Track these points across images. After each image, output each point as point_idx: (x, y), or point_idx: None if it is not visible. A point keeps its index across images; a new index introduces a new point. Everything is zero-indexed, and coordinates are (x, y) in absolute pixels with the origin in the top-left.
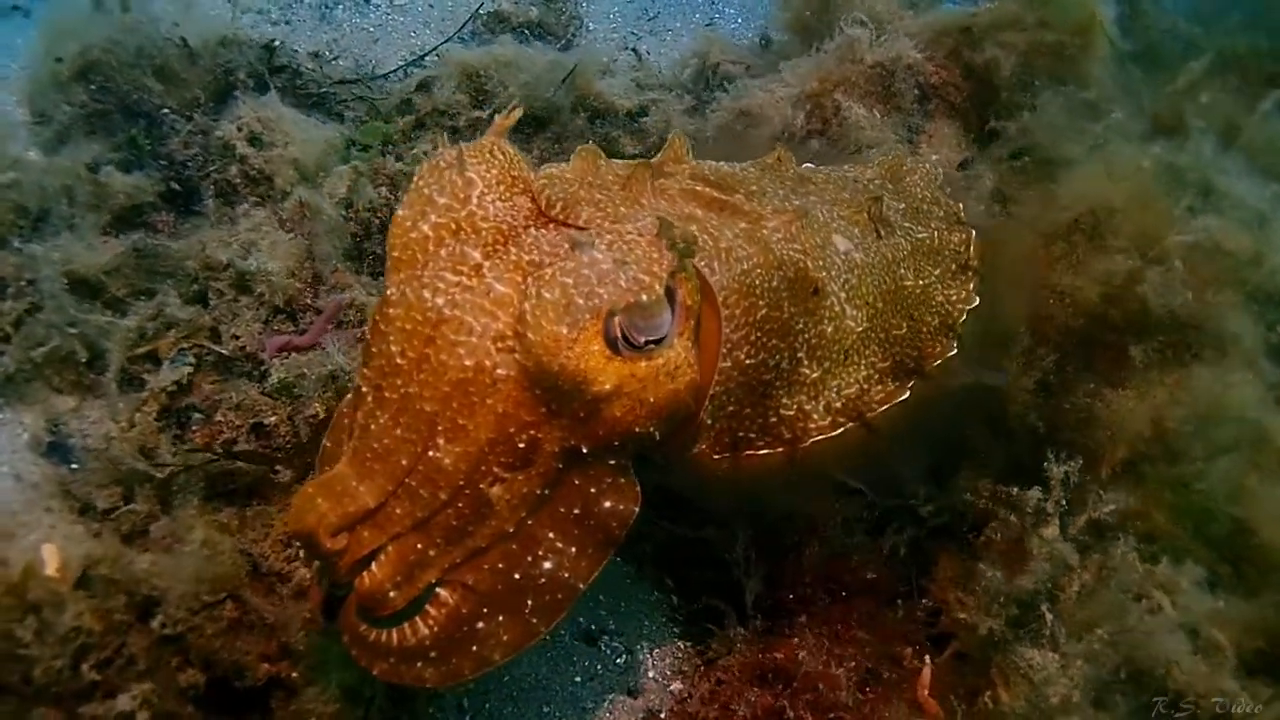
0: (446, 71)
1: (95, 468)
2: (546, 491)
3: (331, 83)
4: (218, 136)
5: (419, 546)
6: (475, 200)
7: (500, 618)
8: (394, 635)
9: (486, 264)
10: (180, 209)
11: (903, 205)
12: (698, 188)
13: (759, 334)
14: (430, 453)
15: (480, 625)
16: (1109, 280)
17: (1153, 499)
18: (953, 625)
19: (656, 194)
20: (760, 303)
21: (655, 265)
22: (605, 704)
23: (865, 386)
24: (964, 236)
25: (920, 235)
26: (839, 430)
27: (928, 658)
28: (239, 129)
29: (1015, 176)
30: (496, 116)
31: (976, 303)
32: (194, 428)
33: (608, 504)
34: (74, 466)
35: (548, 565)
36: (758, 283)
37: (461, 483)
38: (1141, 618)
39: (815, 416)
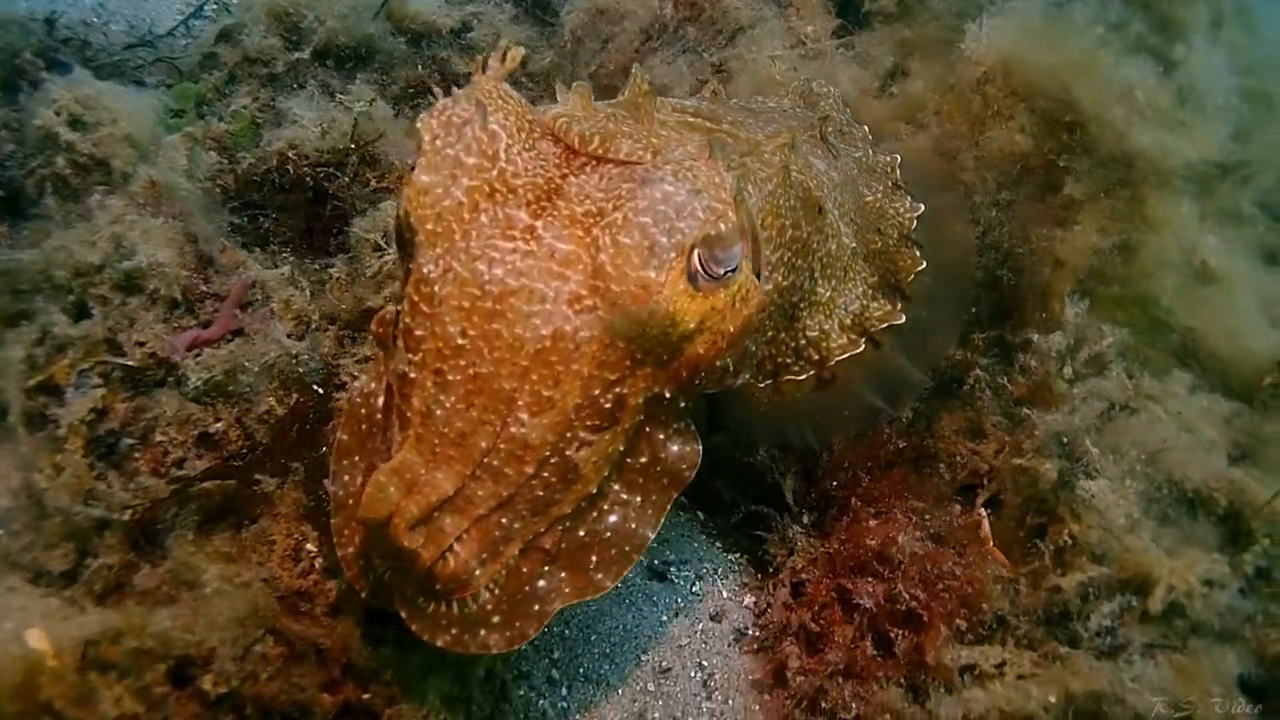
0: (251, 16)
1: (33, 528)
2: (625, 447)
3: (123, 48)
4: (37, 126)
5: (503, 522)
6: (504, 155)
7: (563, 574)
8: (455, 605)
9: (539, 224)
10: (12, 215)
11: (831, 129)
12: (689, 119)
13: (790, 254)
14: (513, 429)
15: (542, 584)
16: (1032, 128)
17: (1109, 320)
18: (1009, 473)
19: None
20: (787, 223)
21: (722, 190)
22: (697, 634)
23: (865, 302)
24: (889, 159)
25: (857, 155)
26: (859, 348)
27: (984, 510)
28: (57, 114)
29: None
30: (489, 60)
31: (921, 209)
32: (135, 456)
33: (675, 448)
34: None
35: (613, 519)
36: (782, 203)
37: (548, 453)
38: (1163, 433)
39: (834, 335)
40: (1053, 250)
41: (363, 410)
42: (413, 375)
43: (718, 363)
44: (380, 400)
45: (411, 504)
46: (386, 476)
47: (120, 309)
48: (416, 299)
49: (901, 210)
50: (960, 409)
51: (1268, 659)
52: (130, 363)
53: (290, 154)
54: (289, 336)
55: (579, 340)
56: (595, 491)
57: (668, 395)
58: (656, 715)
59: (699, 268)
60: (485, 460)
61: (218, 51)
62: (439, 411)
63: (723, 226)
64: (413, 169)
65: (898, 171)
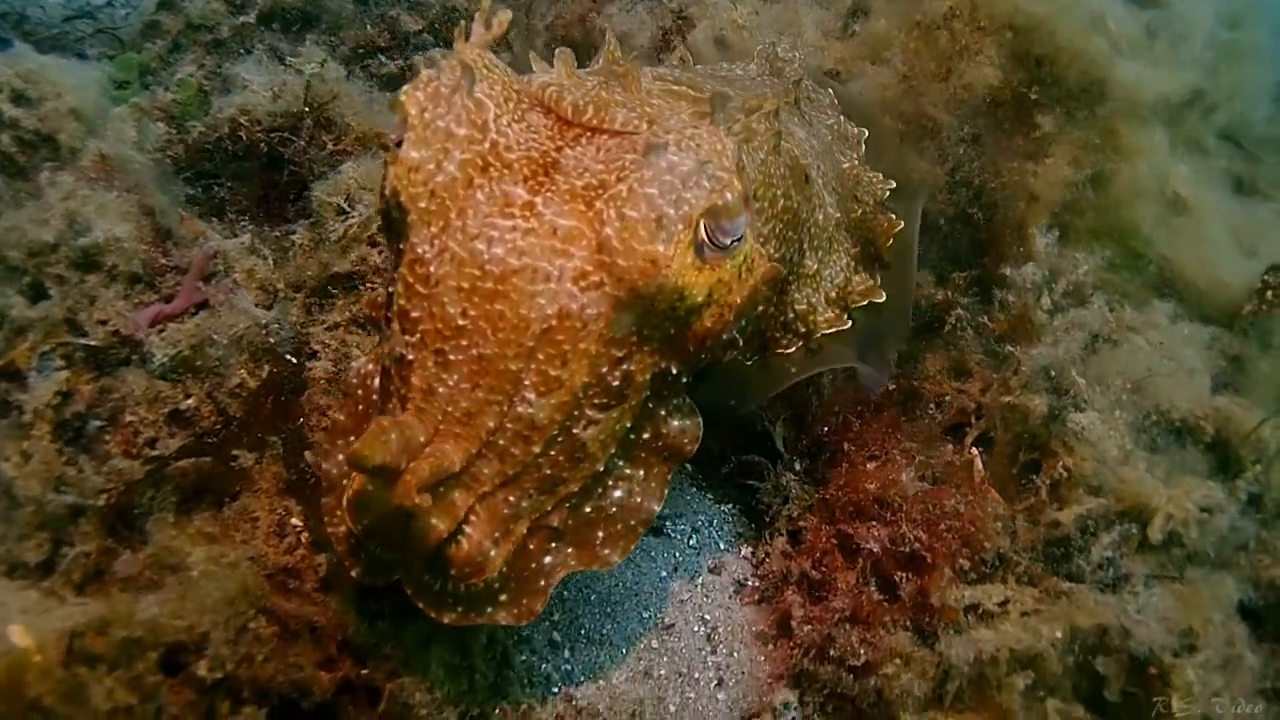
0: None
1: (4, 518)
2: (631, 424)
3: (63, 20)
4: None
5: (510, 500)
6: (494, 126)
7: (569, 550)
8: (461, 583)
9: (538, 200)
10: None
11: (804, 95)
12: (673, 87)
13: (781, 226)
14: (520, 409)
15: (548, 560)
16: (1000, 63)
17: (1086, 249)
18: (999, 411)
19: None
20: (778, 193)
21: (725, 158)
22: (698, 588)
23: (847, 275)
24: (858, 131)
25: (829, 121)
26: (846, 324)
27: (976, 449)
28: None
29: None
30: (471, 25)
31: (893, 185)
32: (104, 438)
33: (676, 423)
34: None
35: (618, 494)
36: (773, 172)
37: (556, 433)
38: (1147, 362)
39: (820, 309)
40: (1025, 184)
41: (359, 391)
42: (410, 356)
43: (724, 335)
44: (376, 381)
45: (424, 464)
46: (389, 423)
47: (79, 287)
48: (411, 280)
49: (875, 179)
50: (943, 349)
51: (1263, 584)
52: (93, 342)
53: (243, 120)
54: (255, 306)
55: (586, 318)
56: (601, 469)
57: (674, 371)
58: (662, 672)
59: (705, 238)
60: (491, 439)
61: (159, 19)
62: (441, 390)
63: (729, 196)
64: (398, 144)
65: (863, 145)
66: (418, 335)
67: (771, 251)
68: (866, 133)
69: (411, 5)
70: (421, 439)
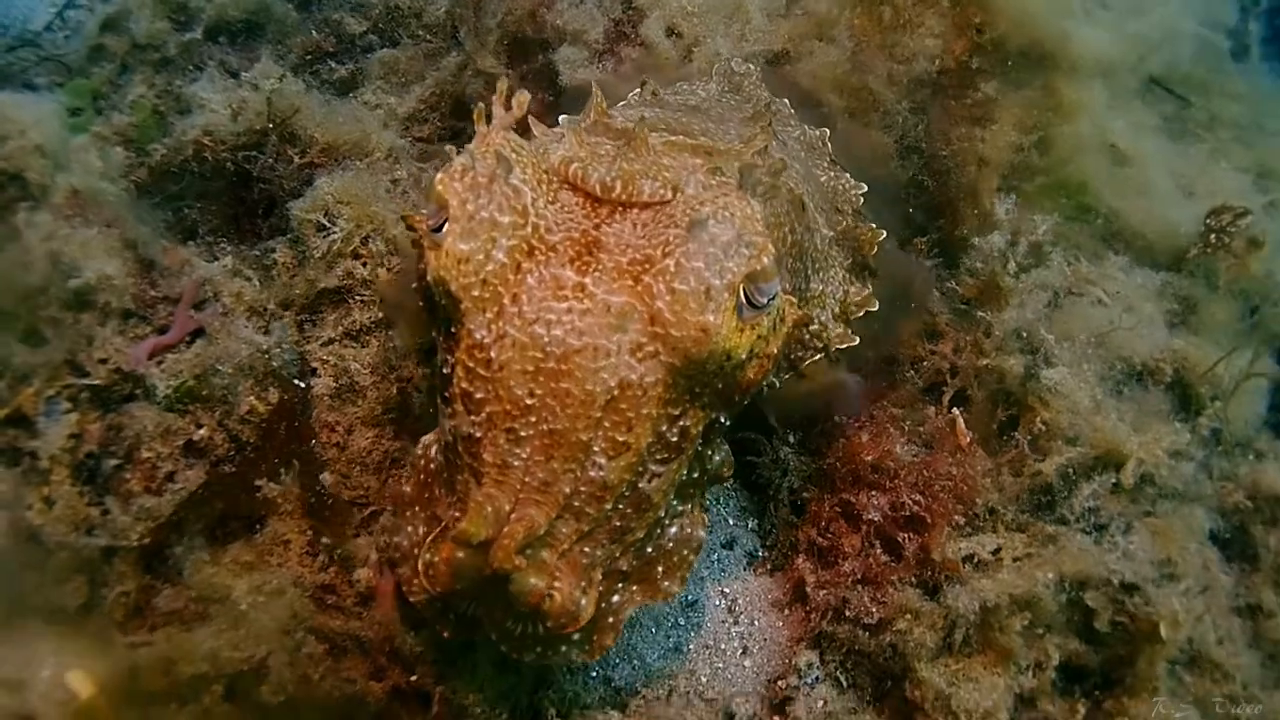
0: (135, 1)
1: (35, 566)
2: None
3: (7, 50)
4: None
5: (586, 551)
6: (534, 211)
7: (635, 588)
8: (540, 627)
9: (588, 280)
10: None
11: (774, 116)
12: (673, 139)
13: (791, 260)
14: (592, 474)
15: (616, 599)
16: (942, 31)
17: (1038, 208)
18: (974, 374)
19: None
20: (785, 230)
21: (757, 223)
22: (714, 564)
23: (845, 288)
24: (820, 132)
25: (795, 134)
26: (855, 340)
27: (957, 410)
28: None
29: None
30: (491, 109)
31: (865, 189)
32: (125, 476)
33: (718, 456)
34: None
35: (673, 530)
36: (779, 210)
37: (624, 490)
38: (1107, 315)
39: (830, 326)
40: (975, 150)
41: (423, 463)
42: (479, 435)
43: (763, 382)
44: (434, 450)
45: (518, 530)
46: (483, 498)
47: (74, 328)
48: (472, 364)
49: (846, 185)
50: (914, 312)
51: (1229, 510)
52: (96, 381)
53: (206, 141)
54: (255, 332)
55: (645, 385)
56: (663, 514)
57: (723, 419)
58: (691, 646)
59: (744, 301)
60: (568, 501)
61: (104, 42)
62: (516, 463)
63: (765, 260)
64: (436, 229)
65: (829, 145)
66: (484, 415)
67: (788, 286)
68: (828, 132)
69: (354, 7)
70: (506, 508)
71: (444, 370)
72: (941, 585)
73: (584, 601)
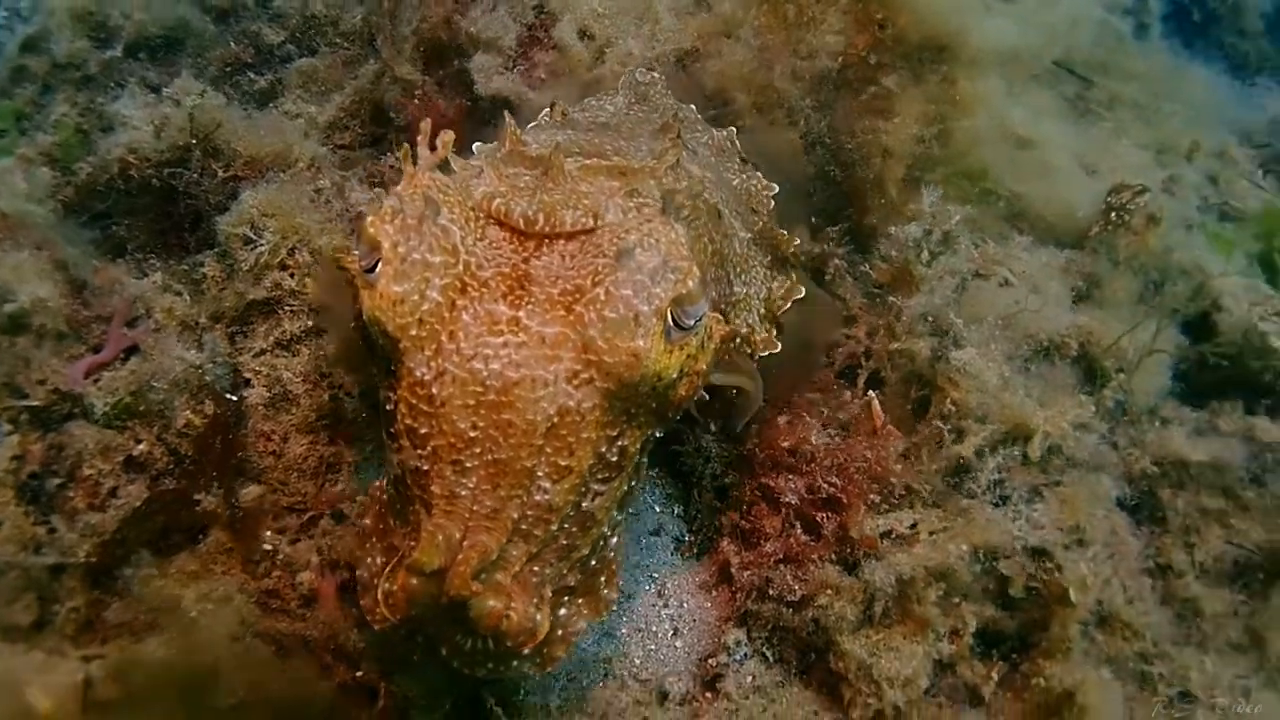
0: (55, 21)
1: None
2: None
3: None
4: None
5: (535, 570)
6: (463, 248)
7: (580, 600)
8: (490, 642)
9: (521, 314)
10: None
11: (683, 126)
12: (587, 163)
13: (713, 269)
14: (537, 497)
15: (564, 613)
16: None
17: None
18: (887, 357)
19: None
20: (705, 241)
21: (681, 247)
22: (643, 550)
23: (768, 286)
24: (727, 132)
25: (704, 139)
26: (778, 347)
27: (872, 393)
28: None
29: None
30: (415, 147)
31: (776, 189)
32: (68, 494)
33: (645, 461)
34: None
35: (614, 540)
36: (697, 224)
37: (569, 510)
38: (1013, 296)
39: (758, 329)
40: (879, 141)
41: (380, 494)
42: (425, 468)
43: (694, 397)
44: (382, 482)
45: (472, 557)
46: (435, 527)
47: (11, 351)
48: (414, 401)
49: (757, 186)
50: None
51: (1135, 476)
52: (35, 402)
53: (131, 159)
54: (180, 343)
55: (583, 411)
56: (606, 529)
57: (658, 433)
58: (623, 630)
59: (671, 324)
60: (515, 526)
61: (25, 63)
62: (463, 493)
63: (690, 284)
64: (369, 270)
65: (737, 144)
66: (429, 448)
67: (714, 295)
68: (735, 130)
69: (272, 17)
70: (457, 536)
71: (387, 407)
72: (860, 561)
73: (539, 618)
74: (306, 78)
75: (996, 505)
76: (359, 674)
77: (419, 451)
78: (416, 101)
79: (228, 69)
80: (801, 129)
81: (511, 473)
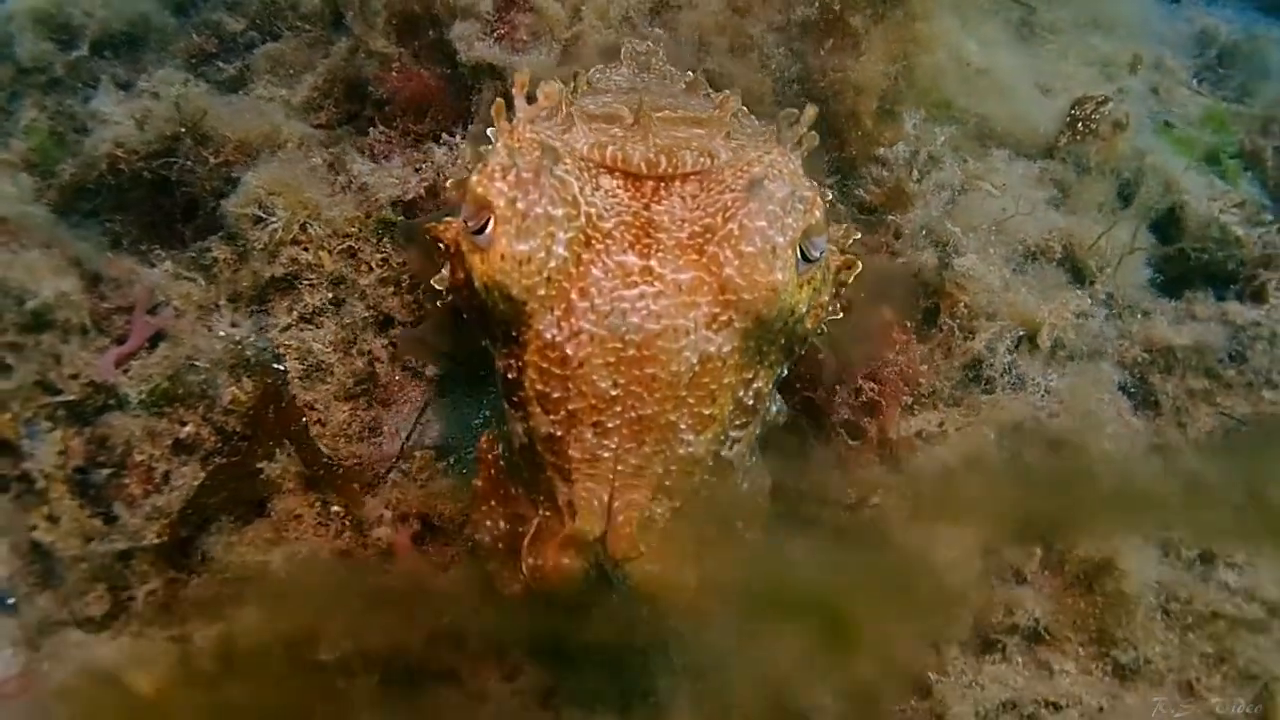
0: (16, 25)
1: (52, 583)
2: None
3: None
4: None
5: (681, 525)
6: (584, 200)
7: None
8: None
9: (653, 262)
10: None
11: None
12: (664, 114)
13: None
14: (680, 450)
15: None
16: None
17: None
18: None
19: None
20: None
21: (801, 176)
22: None
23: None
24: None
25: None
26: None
27: (885, 306)
28: None
29: None
30: (511, 100)
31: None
32: (124, 482)
33: (774, 407)
34: (9, 602)
35: (745, 485)
36: None
37: (710, 460)
38: (1001, 204)
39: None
40: (849, 79)
41: (490, 457)
42: (560, 434)
43: (817, 331)
44: (500, 448)
45: (631, 514)
46: (587, 493)
47: (37, 349)
48: (545, 365)
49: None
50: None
51: (1128, 364)
52: (71, 397)
53: (120, 153)
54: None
55: (724, 355)
56: (740, 476)
57: (784, 371)
58: None
59: (799, 256)
60: (659, 482)
61: None
62: (605, 455)
63: (818, 214)
64: (476, 232)
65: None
66: (563, 412)
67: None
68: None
69: (230, 6)
70: (605, 499)
71: (508, 375)
72: (901, 459)
73: (688, 575)
74: (274, 62)
75: (1013, 387)
76: (445, 620)
77: (551, 417)
78: (395, 74)
79: (193, 60)
80: (774, 72)
81: (656, 428)
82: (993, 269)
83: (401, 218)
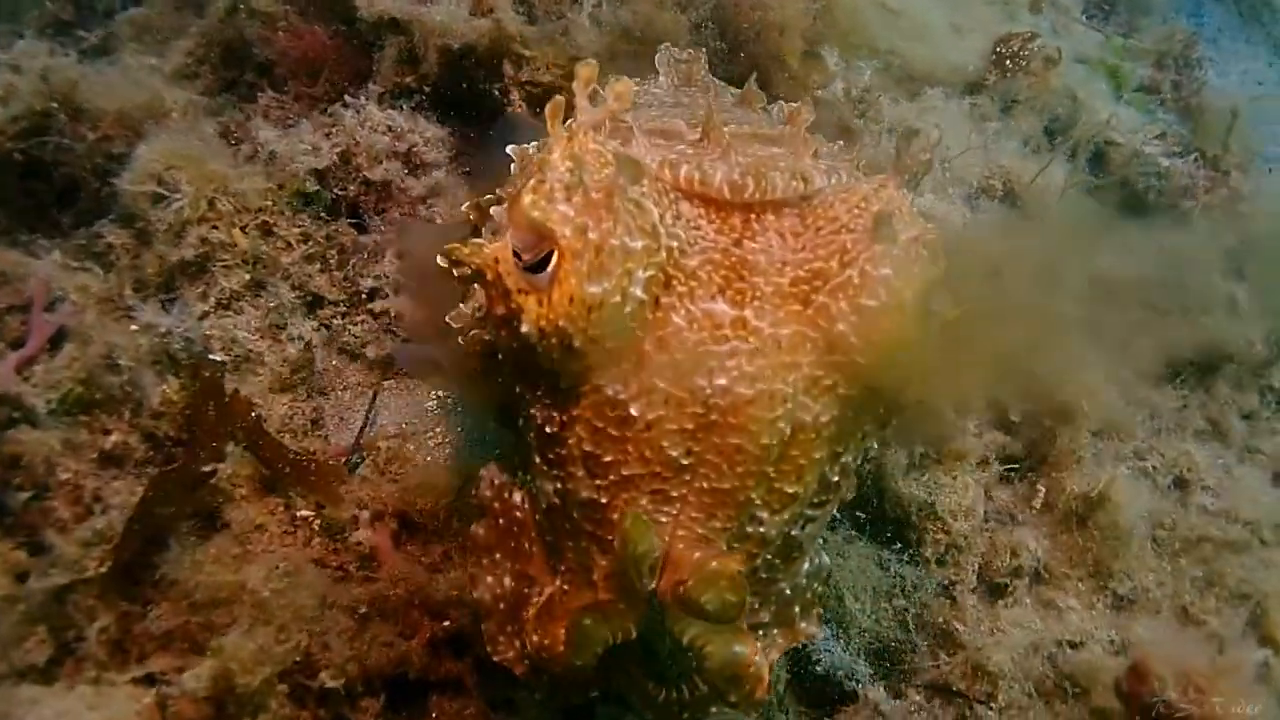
0: None
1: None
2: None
3: None
4: None
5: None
6: (664, 231)
7: (776, 633)
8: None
9: (748, 313)
10: None
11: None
12: (730, 128)
13: None
14: (749, 529)
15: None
16: None
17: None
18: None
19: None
20: None
21: (919, 217)
22: None
23: None
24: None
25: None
26: None
27: None
28: None
29: None
30: (577, 98)
31: None
32: (51, 505)
33: (850, 492)
34: None
35: (806, 567)
36: None
37: (780, 542)
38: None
39: None
40: (771, 19)
41: (497, 505)
42: (606, 500)
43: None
44: (517, 498)
45: (719, 561)
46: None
47: None
48: (602, 425)
49: None
50: None
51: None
52: None
53: None
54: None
55: (819, 426)
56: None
57: (874, 449)
58: None
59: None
60: None
61: None
62: (664, 520)
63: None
64: (532, 269)
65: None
66: (611, 479)
67: None
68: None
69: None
70: (667, 538)
71: (546, 429)
72: None
73: (764, 665)
74: (139, 28)
75: None
76: (446, 624)
77: (597, 481)
78: (283, 34)
79: (49, 30)
80: (691, 14)
81: (733, 504)
82: (954, 209)
83: (318, 188)
